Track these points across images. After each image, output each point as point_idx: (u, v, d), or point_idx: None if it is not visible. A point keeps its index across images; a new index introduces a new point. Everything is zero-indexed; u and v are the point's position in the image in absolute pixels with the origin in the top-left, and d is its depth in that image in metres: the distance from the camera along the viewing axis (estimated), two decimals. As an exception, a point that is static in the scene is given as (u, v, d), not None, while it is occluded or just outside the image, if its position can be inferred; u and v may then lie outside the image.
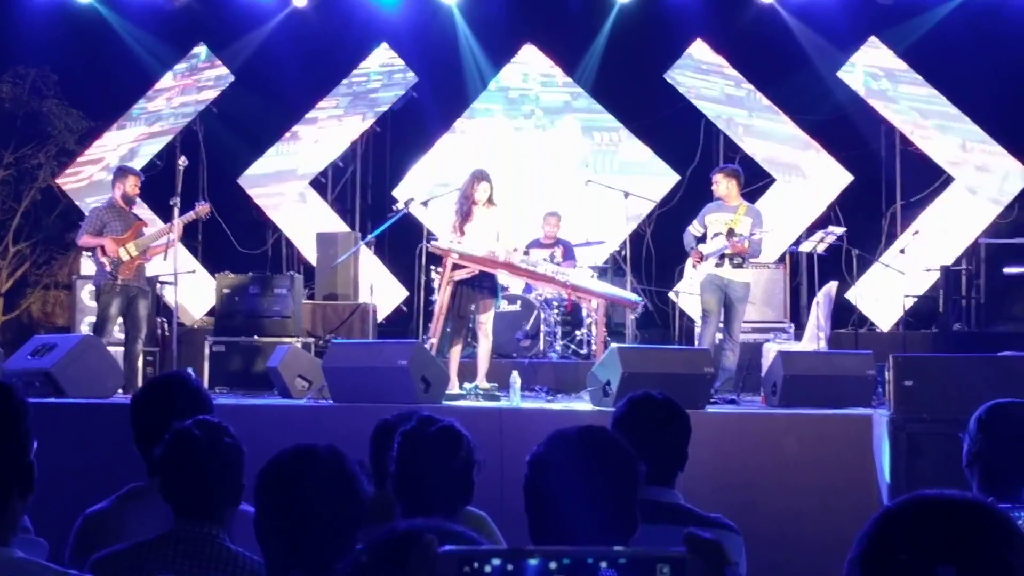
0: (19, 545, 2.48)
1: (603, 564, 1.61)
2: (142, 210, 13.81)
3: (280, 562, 2.88)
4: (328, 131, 15.62)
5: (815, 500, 7.78)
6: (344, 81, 15.62)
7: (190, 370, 10.15)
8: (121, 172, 10.92)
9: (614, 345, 8.66)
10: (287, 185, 15.54)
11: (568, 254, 12.94)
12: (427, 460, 3.55)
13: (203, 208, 10.64)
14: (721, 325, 10.60)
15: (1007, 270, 12.33)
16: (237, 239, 15.12)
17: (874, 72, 14.86)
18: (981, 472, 3.68)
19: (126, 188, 10.70)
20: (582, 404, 8.97)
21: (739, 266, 10.50)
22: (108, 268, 10.36)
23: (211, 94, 15.58)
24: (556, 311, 12.47)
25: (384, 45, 15.55)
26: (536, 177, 15.09)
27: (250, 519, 2.96)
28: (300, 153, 15.60)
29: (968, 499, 1.72)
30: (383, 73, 15.63)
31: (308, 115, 15.61)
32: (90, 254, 11.19)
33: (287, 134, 15.60)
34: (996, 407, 3.76)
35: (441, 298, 9.88)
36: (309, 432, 8.18)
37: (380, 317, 13.97)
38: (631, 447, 2.95)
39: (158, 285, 12.79)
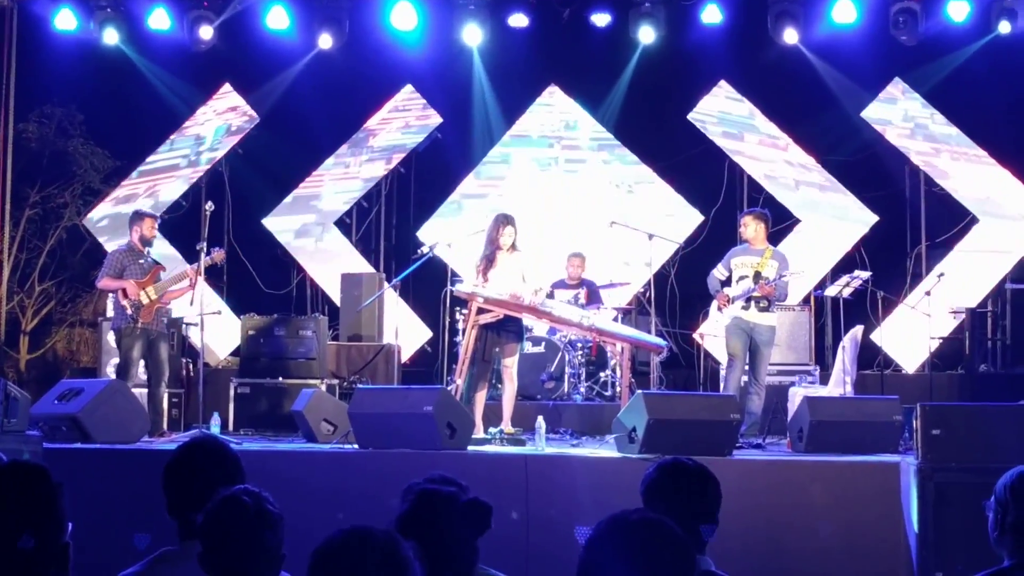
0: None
1: None
2: (165, 248, 13.94)
3: None
4: (352, 172, 15.66)
5: (842, 547, 7.75)
6: (368, 123, 15.67)
7: (215, 420, 10.23)
8: (137, 216, 10.95)
9: (640, 391, 8.63)
10: (312, 226, 15.58)
11: (593, 296, 12.92)
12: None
13: (218, 255, 10.65)
14: (747, 368, 10.58)
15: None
16: (262, 279, 15.16)
17: (898, 112, 14.82)
18: (1014, 541, 3.62)
19: (143, 231, 10.72)
20: (607, 450, 8.93)
21: (765, 309, 10.49)
22: (129, 311, 10.37)
23: (237, 136, 15.63)
24: (580, 353, 12.45)
25: (408, 87, 15.60)
26: (560, 218, 15.09)
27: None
28: (325, 194, 15.64)
29: None
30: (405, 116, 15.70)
31: (333, 155, 15.65)
32: (111, 296, 11.23)
33: (312, 175, 15.65)
34: (1025, 473, 3.71)
35: (466, 342, 9.88)
36: (335, 478, 8.20)
37: (404, 358, 13.96)
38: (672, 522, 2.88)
39: (183, 326, 12.81)
